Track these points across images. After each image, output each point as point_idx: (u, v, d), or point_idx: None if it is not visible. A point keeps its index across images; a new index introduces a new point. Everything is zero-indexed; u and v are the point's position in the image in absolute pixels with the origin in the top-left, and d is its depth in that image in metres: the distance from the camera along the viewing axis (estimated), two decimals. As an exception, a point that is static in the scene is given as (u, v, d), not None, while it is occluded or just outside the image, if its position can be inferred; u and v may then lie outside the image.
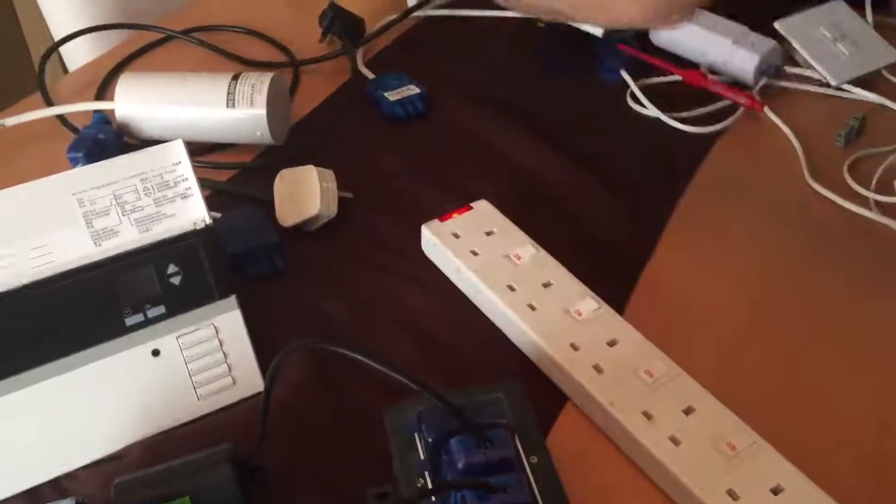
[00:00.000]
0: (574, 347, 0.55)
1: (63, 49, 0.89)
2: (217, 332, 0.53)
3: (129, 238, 0.51)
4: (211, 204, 0.67)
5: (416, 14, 0.88)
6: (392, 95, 0.76)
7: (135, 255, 0.51)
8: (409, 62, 0.83)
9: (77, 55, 0.87)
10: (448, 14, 0.90)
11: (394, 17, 0.86)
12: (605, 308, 0.57)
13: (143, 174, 0.51)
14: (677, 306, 0.61)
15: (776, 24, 0.82)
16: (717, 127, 0.75)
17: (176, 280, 0.52)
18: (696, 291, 0.62)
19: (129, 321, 0.51)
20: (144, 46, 0.85)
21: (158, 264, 0.51)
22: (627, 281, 0.62)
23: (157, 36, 0.85)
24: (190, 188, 0.52)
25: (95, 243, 0.50)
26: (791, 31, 0.81)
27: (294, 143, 0.74)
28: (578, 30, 0.84)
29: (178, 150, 0.52)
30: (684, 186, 0.70)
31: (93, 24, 0.85)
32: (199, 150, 0.73)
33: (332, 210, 0.65)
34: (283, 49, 0.85)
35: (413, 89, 0.77)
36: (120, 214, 0.51)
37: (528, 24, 0.89)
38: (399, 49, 0.87)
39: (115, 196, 0.51)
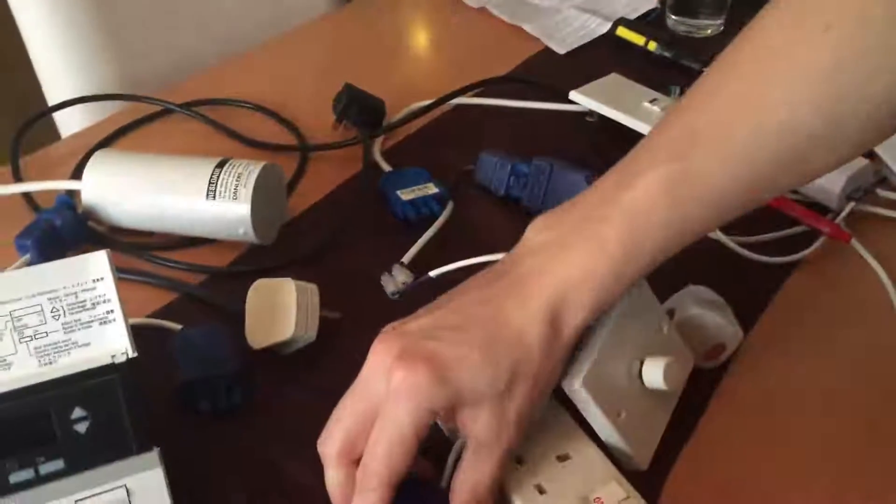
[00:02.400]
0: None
1: (59, 116, 0.81)
2: (129, 496, 0.41)
3: (24, 371, 0.40)
4: (177, 311, 0.58)
5: (454, 101, 0.77)
6: (405, 194, 0.65)
7: (30, 393, 0.40)
8: (435, 155, 0.73)
9: (72, 124, 0.79)
10: (484, 103, 0.79)
11: (420, 104, 0.76)
12: (636, 499, 0.44)
13: (54, 292, 0.40)
14: (731, 484, 0.47)
15: (868, 139, 0.69)
16: (792, 258, 0.62)
17: (82, 427, 0.41)
18: (754, 465, 0.48)
19: (14, 478, 0.39)
20: (141, 118, 0.76)
21: (60, 406, 0.40)
22: (668, 451, 0.49)
23: (156, 108, 0.77)
24: (112, 311, 0.41)
25: (-18, 375, 0.40)
26: (887, 147, 0.68)
27: (284, 244, 0.63)
28: (635, 130, 0.72)
29: (100, 264, 0.41)
30: (748, 330, 0.56)
31: (88, 91, 0.76)
32: (171, 244, 0.62)
33: (311, 334, 0.53)
34: (294, 130, 0.75)
35: (431, 188, 0.66)
36: (16, 341, 0.40)
37: (577, 118, 0.78)
38: (425, 139, 0.76)
39: (12, 317, 0.40)
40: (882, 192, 0.68)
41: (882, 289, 0.60)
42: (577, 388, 0.44)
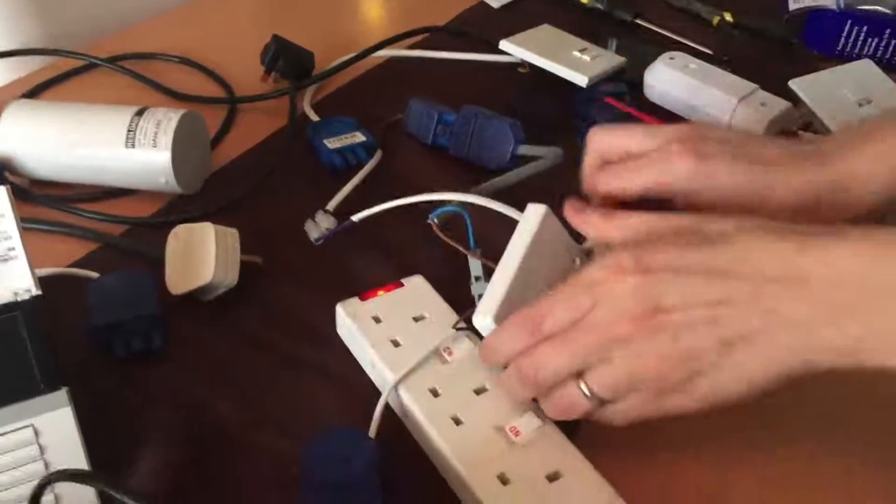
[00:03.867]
0: (503, 480, 0.42)
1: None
2: (37, 436, 0.41)
3: (-79, 310, 0.39)
4: (98, 261, 0.57)
5: (378, 54, 0.77)
6: (332, 143, 0.65)
7: (-72, 331, 0.39)
8: (364, 106, 0.72)
9: (-7, 80, 0.77)
10: (415, 55, 0.79)
11: (349, 56, 0.75)
12: (551, 427, 0.45)
13: (-50, 228, 0.40)
14: (648, 424, 0.48)
15: (791, 83, 0.70)
16: (715, 200, 0.63)
17: (-16, 366, 0.40)
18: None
19: (-85, 418, 0.39)
20: (64, 73, 0.74)
21: (-40, 345, 0.40)
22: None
23: (80, 63, 0.75)
24: (13, 249, 0.41)
25: None
26: (809, 91, 0.69)
27: (210, 194, 0.63)
28: (565, 80, 0.73)
29: (-1, 200, 0.40)
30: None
31: (11, 46, 0.75)
32: (92, 196, 0.61)
33: (232, 278, 0.53)
34: (222, 83, 0.74)
35: (359, 137, 0.66)
36: (-88, 279, 0.39)
37: (508, 69, 0.78)
38: (355, 91, 0.75)
39: None
40: (805, 136, 0.69)
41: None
42: (488, 324, 0.45)
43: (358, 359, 0.50)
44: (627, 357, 0.39)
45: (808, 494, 0.44)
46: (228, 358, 0.51)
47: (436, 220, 0.54)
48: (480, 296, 0.49)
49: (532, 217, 0.48)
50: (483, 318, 0.45)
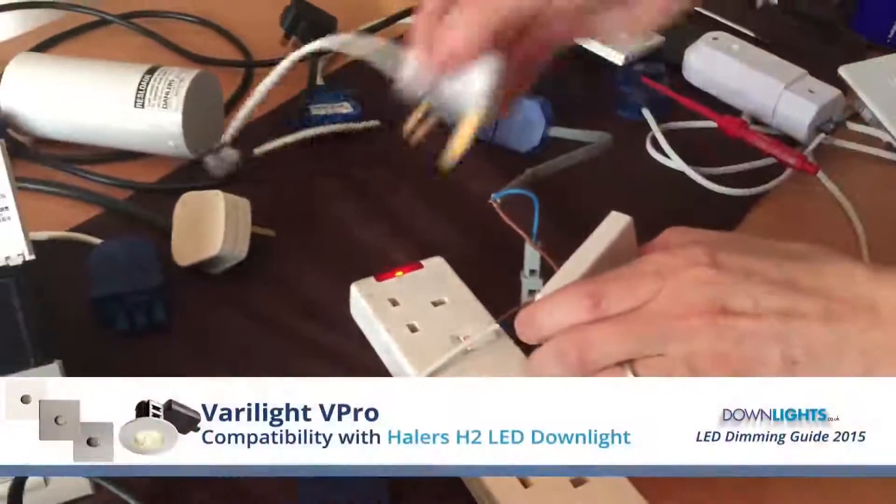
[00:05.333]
0: (524, 483, 0.39)
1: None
2: (27, 412, 0.38)
3: None
4: (101, 226, 0.54)
5: (406, 21, 0.73)
6: (316, 110, 0.62)
7: (-89, 295, 0.36)
8: (385, 78, 0.68)
9: (1, 33, 0.74)
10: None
11: (373, 22, 0.71)
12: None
13: (-61, 184, 0.37)
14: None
15: (842, 70, 0.66)
16: (756, 190, 0.59)
17: (-29, 335, 0.37)
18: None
19: None
20: (74, 29, 0.71)
21: (-54, 311, 0.37)
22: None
23: (91, 19, 0.72)
24: (6, 208, 0.37)
25: None
26: (860, 79, 0.65)
27: (221, 160, 0.59)
28: (598, 58, 0.69)
29: (-9, 155, 0.37)
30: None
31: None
32: (98, 158, 0.58)
33: (241, 251, 0.50)
34: (239, 46, 0.71)
35: (346, 107, 0.62)
36: None
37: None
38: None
39: None
40: (852, 126, 0.65)
41: (848, 223, 0.58)
42: None
43: (372, 343, 0.47)
44: (683, 352, 0.36)
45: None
46: (234, 336, 0.48)
47: (498, 201, 0.49)
48: (532, 291, 0.47)
49: (614, 224, 0.44)
50: None
